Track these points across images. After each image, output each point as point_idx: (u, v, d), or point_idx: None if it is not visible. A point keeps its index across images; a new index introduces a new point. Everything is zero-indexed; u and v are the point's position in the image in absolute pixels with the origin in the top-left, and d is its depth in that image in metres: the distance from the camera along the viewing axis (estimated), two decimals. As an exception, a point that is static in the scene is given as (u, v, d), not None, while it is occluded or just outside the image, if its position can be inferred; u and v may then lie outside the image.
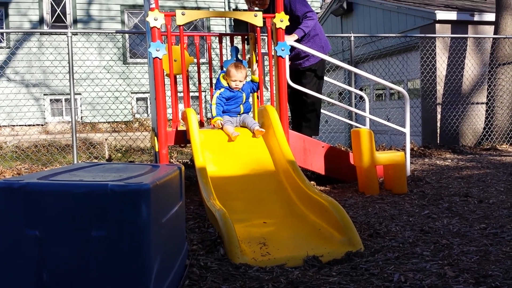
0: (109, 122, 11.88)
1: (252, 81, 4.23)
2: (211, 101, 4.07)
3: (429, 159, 6.71)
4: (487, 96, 8.76)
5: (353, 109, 5.87)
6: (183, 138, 4.08)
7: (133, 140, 7.86)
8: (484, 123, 8.75)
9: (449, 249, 2.47)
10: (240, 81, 4.00)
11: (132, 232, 1.55)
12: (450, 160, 6.52)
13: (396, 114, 10.41)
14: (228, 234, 2.49)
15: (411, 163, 5.90)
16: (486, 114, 8.75)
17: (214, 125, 3.89)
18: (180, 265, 2.07)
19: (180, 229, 2.18)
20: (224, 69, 4.33)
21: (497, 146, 8.16)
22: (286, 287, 1.98)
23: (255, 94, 4.71)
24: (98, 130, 11.92)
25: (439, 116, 9.40)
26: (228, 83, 4.02)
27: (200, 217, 3.23)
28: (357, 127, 5.85)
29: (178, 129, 4.14)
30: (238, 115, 4.06)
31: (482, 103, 9.24)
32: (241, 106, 4.07)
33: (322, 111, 5.83)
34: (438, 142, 9.03)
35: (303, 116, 5.24)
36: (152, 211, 1.58)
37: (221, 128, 3.88)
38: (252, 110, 4.36)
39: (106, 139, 8.12)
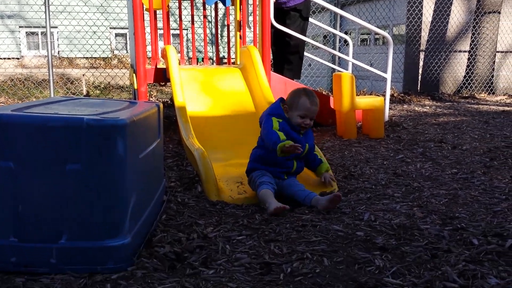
0: (87, 57, 11.55)
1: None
2: (272, 126, 2.46)
3: (408, 105, 6.78)
4: (470, 45, 8.75)
5: (336, 52, 5.82)
6: (162, 76, 4.01)
7: (111, 77, 7.70)
8: (465, 71, 8.80)
9: (419, 192, 2.56)
10: (311, 119, 2.54)
11: (107, 167, 1.55)
12: (428, 107, 6.61)
13: (379, 59, 10.35)
14: (206, 172, 2.52)
15: (390, 109, 5.95)
16: (467, 62, 8.78)
17: (285, 150, 2.38)
18: (158, 201, 2.10)
19: (158, 166, 2.19)
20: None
21: (475, 94, 8.27)
22: (260, 223, 2.04)
23: (238, 33, 4.62)
24: (75, 65, 11.60)
25: (421, 63, 9.39)
26: (289, 117, 2.52)
27: (179, 155, 3.25)
28: (339, 71, 5.83)
29: (158, 67, 4.06)
30: (285, 177, 2.50)
31: (465, 51, 9.24)
32: (295, 161, 2.52)
33: (305, 54, 5.76)
34: (419, 89, 9.09)
35: (286, 58, 5.18)
36: (128, 147, 1.58)
37: (253, 185, 2.47)
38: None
39: (83, 75, 7.92)
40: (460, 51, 9.39)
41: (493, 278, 1.48)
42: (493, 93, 8.60)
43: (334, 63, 8.84)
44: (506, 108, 6.56)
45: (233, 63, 4.60)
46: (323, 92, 6.97)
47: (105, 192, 1.56)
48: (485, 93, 8.50)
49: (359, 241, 1.84)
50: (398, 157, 3.45)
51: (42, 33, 11.93)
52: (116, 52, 12.37)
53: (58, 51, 11.76)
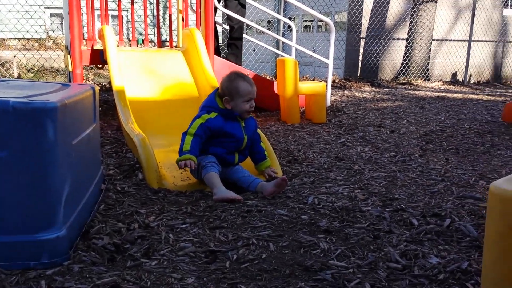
0: (19, 38, 10.84)
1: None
2: (187, 130, 2.34)
3: (348, 91, 6.93)
4: (408, 33, 9.06)
5: (280, 37, 5.81)
6: (99, 58, 3.82)
7: (45, 59, 7.28)
8: (403, 58, 9.11)
9: (360, 175, 2.61)
10: (254, 99, 2.42)
11: (37, 154, 1.43)
12: (368, 93, 6.79)
13: (321, 46, 10.50)
14: (147, 159, 2.43)
15: (332, 94, 6.06)
16: (405, 50, 9.09)
17: (180, 167, 2.29)
18: (95, 190, 1.99)
19: (94, 152, 2.08)
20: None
21: (412, 81, 8.61)
22: (205, 210, 1.99)
23: (181, 15, 4.48)
24: (6, 47, 10.87)
25: (361, 50, 9.61)
26: (233, 106, 2.37)
27: (118, 141, 3.11)
28: (283, 57, 5.84)
29: (94, 48, 3.86)
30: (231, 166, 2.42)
31: (403, 39, 9.55)
32: (236, 154, 2.43)
33: (250, 38, 5.75)
34: (359, 75, 9.32)
35: (229, 42, 5.13)
36: (59, 132, 1.47)
37: (195, 173, 2.38)
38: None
39: (15, 56, 7.42)
40: (398, 39, 9.70)
41: (434, 258, 1.52)
42: (429, 80, 8.99)
43: (278, 49, 8.86)
44: (441, 94, 6.87)
45: (176, 46, 4.46)
46: (267, 77, 6.97)
47: (35, 181, 1.44)
48: (421, 79, 8.86)
49: (303, 224, 1.83)
50: (340, 141, 3.51)
51: (-34, 11, 11.05)
52: (51, 33, 11.70)
53: (-14, 31, 10.95)
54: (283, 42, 10.11)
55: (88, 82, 6.31)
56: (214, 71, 3.67)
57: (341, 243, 1.67)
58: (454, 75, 9.89)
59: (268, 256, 1.56)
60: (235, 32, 5.08)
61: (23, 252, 1.44)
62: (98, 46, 3.90)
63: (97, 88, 2.10)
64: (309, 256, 1.57)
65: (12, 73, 7.10)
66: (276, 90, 4.50)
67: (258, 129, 2.59)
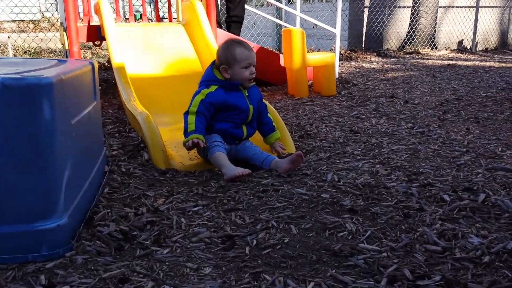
0: (14, 20, 10.58)
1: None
2: (188, 110, 2.19)
3: (355, 62, 6.72)
4: (413, 0, 8.76)
5: (283, 6, 5.59)
6: (97, 34, 3.63)
7: (40, 39, 7.08)
8: (409, 27, 8.84)
9: (379, 148, 2.46)
10: (254, 66, 2.23)
11: (32, 135, 1.28)
12: (375, 63, 6.58)
13: (324, 17, 10.22)
14: (152, 138, 2.28)
15: (338, 66, 5.87)
16: (411, 18, 8.81)
17: (188, 147, 2.12)
18: (98, 172, 1.85)
19: (96, 132, 1.93)
20: None
21: (419, 49, 8.36)
22: (217, 191, 1.85)
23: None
24: (2, 30, 10.61)
25: (366, 19, 9.33)
26: (231, 75, 2.21)
27: (120, 121, 2.96)
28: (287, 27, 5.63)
29: (91, 24, 3.67)
30: (237, 142, 2.26)
31: (408, 7, 9.25)
32: (244, 127, 2.28)
33: (251, 9, 5.55)
34: (364, 45, 9.06)
35: (233, 14, 4.93)
36: (56, 111, 1.32)
37: (202, 153, 2.23)
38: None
39: (9, 37, 7.21)
40: (403, 7, 9.39)
41: (475, 237, 1.38)
42: (436, 48, 8.74)
43: (280, 19, 8.60)
44: (451, 62, 6.65)
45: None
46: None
47: (31, 166, 1.30)
48: (428, 48, 8.61)
49: (325, 204, 1.69)
50: (352, 113, 3.35)
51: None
52: (45, 13, 11.41)
53: (-21, 13, 10.68)
54: (286, 14, 9.80)
55: (86, 61, 6.12)
56: (217, 44, 3.48)
57: (369, 224, 1.52)
58: (461, 42, 9.61)
59: (291, 240, 1.42)
60: (238, 5, 4.87)
61: (20, 244, 1.30)
62: (94, 23, 3.71)
63: (96, 63, 1.94)
64: (335, 239, 1.43)
65: (8, 55, 6.91)
66: (282, 63, 4.31)
67: (263, 99, 2.42)
